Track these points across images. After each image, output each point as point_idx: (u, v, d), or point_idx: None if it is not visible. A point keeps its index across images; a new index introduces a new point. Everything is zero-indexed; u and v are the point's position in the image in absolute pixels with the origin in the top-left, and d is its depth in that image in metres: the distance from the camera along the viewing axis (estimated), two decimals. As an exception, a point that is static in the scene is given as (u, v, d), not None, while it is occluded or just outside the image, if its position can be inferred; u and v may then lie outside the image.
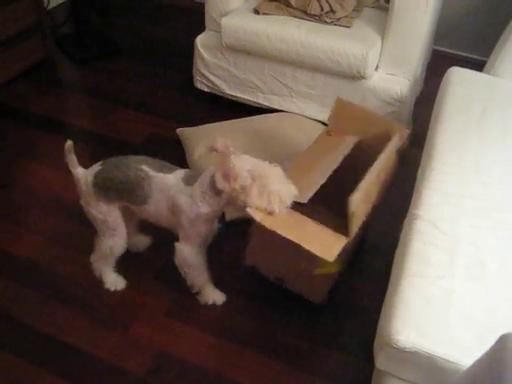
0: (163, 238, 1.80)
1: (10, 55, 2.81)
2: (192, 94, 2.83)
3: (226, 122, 2.52)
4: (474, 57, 3.14)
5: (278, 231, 1.50)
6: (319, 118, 2.54)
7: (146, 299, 1.85)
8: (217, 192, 1.54)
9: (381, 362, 1.26)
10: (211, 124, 2.51)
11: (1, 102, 2.77)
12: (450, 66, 2.16)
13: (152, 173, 1.62)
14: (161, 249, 1.96)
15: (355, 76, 2.36)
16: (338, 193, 1.62)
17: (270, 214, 1.52)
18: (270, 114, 2.56)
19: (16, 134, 2.59)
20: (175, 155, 2.45)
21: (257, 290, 1.88)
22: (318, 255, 1.47)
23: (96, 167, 1.68)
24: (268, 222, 1.51)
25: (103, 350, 1.70)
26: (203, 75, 2.71)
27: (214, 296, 1.83)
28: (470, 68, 2.15)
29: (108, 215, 1.70)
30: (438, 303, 1.25)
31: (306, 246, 1.48)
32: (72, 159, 1.69)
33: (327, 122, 2.50)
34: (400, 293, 1.28)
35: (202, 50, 2.64)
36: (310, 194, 1.63)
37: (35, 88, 2.91)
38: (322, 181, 1.69)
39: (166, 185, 1.61)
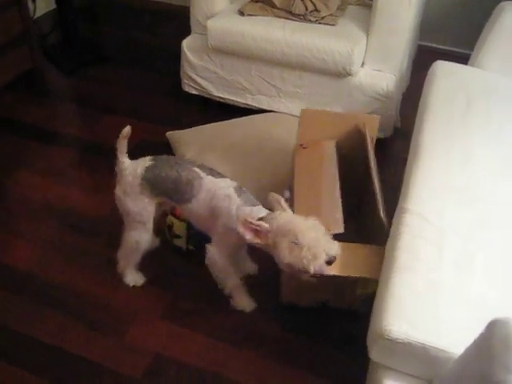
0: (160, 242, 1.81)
1: (-2, 66, 2.81)
2: (181, 97, 2.84)
3: (216, 123, 2.53)
4: (460, 51, 3.15)
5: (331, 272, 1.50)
6: (308, 117, 2.55)
7: (142, 303, 1.85)
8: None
9: (375, 354, 1.27)
10: (200, 126, 2.52)
11: (-10, 113, 2.78)
12: (435, 61, 2.18)
13: (203, 175, 1.66)
14: (155, 253, 1.96)
15: (341, 73, 2.37)
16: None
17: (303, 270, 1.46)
18: (258, 115, 2.58)
19: (6, 144, 2.59)
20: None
21: (252, 289, 1.89)
22: (369, 277, 1.53)
23: (146, 161, 1.71)
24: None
25: (100, 354, 1.70)
26: (191, 78, 2.72)
27: (242, 302, 1.82)
28: (456, 62, 2.17)
29: (145, 209, 1.72)
30: (428, 295, 1.27)
31: (356, 274, 1.55)
32: (123, 145, 1.70)
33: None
34: (391, 286, 1.29)
35: (188, 53, 2.66)
36: (341, 220, 1.63)
37: (24, 98, 2.91)
38: (339, 202, 1.69)
39: (215, 186, 1.64)
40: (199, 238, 1.91)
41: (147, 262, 1.96)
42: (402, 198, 1.58)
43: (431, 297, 1.26)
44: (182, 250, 1.98)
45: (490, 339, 0.94)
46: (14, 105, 2.85)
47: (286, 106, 2.60)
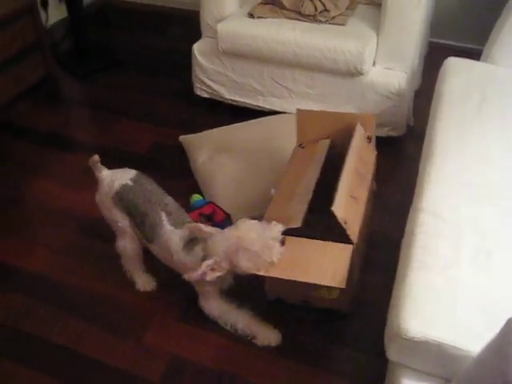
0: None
1: (12, 75, 2.85)
2: (193, 100, 2.86)
3: (228, 126, 2.54)
4: (472, 46, 3.13)
5: (284, 276, 1.52)
6: (320, 117, 2.55)
7: (157, 306, 1.86)
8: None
9: (392, 353, 1.26)
10: (213, 130, 2.53)
11: (5, 121, 2.81)
12: (447, 58, 2.17)
13: (165, 223, 1.66)
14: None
15: (353, 73, 2.37)
16: (327, 195, 1.61)
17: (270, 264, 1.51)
18: (270, 117, 2.58)
19: (22, 151, 2.63)
20: (179, 162, 2.48)
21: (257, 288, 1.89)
22: (327, 285, 1.49)
23: (126, 178, 1.73)
24: (272, 271, 1.52)
25: (117, 358, 1.72)
26: (202, 82, 2.74)
27: (268, 336, 1.73)
28: (468, 58, 2.15)
29: (119, 220, 1.76)
30: (445, 292, 1.26)
31: (311, 280, 1.50)
32: (98, 167, 1.76)
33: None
34: (407, 284, 1.29)
35: (199, 56, 2.67)
36: (301, 215, 1.62)
37: (38, 105, 2.95)
38: (308, 198, 1.68)
39: (172, 239, 1.65)
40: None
41: (161, 265, 1.97)
42: (416, 196, 1.57)
43: (448, 294, 1.25)
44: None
45: (507, 337, 0.93)
46: (29, 112, 2.89)
47: (297, 107, 2.59)
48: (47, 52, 3.07)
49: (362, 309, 1.84)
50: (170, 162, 2.51)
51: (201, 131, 2.53)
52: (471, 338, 1.15)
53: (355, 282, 1.75)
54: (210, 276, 1.52)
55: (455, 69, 2.07)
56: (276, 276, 1.53)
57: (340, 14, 2.48)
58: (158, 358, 1.71)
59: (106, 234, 1.95)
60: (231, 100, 2.73)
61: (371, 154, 1.88)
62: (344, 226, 1.54)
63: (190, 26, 3.06)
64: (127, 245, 1.82)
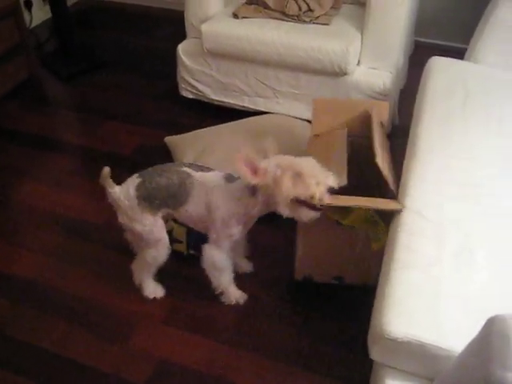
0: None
1: (-5, 76, 2.83)
2: (178, 101, 2.85)
3: (214, 127, 2.53)
4: (456, 45, 3.14)
5: (344, 203, 1.53)
6: (305, 117, 2.54)
7: (144, 309, 1.85)
8: (253, 191, 1.55)
9: (375, 354, 1.26)
10: (199, 130, 2.52)
11: (-11, 124, 2.79)
12: (431, 57, 2.17)
13: (193, 172, 1.66)
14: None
15: (337, 72, 2.37)
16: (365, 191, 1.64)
17: (309, 203, 1.48)
18: (256, 117, 2.57)
19: (7, 153, 2.61)
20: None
21: (256, 292, 1.88)
22: (390, 208, 1.51)
23: (135, 180, 1.69)
24: (329, 198, 1.49)
25: (104, 362, 1.70)
26: (187, 82, 2.73)
27: (236, 296, 1.84)
28: (453, 57, 2.16)
29: (154, 225, 1.70)
30: (427, 292, 1.26)
31: (376, 206, 1.55)
32: (108, 182, 1.68)
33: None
34: (390, 284, 1.29)
35: (184, 57, 2.66)
36: (345, 174, 1.62)
37: (23, 107, 2.93)
38: (346, 159, 1.69)
39: (206, 180, 1.64)
40: (199, 243, 1.91)
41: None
42: (400, 195, 1.57)
43: (431, 294, 1.25)
44: (182, 254, 1.98)
45: (488, 337, 0.93)
46: (13, 114, 2.87)
47: (283, 107, 2.60)
48: (31, 53, 3.05)
49: (354, 310, 1.84)
50: (156, 163, 2.47)
51: (186, 132, 2.52)
52: (454, 337, 1.15)
53: None
54: (249, 175, 1.48)
55: (439, 68, 2.07)
56: (334, 203, 1.52)
57: (324, 14, 2.48)
58: (145, 362, 1.70)
59: (93, 236, 1.94)
60: (216, 100, 2.72)
61: (386, 142, 1.88)
62: (387, 180, 1.55)
63: (175, 26, 3.05)
64: (160, 251, 1.75)
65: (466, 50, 2.30)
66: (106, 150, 2.59)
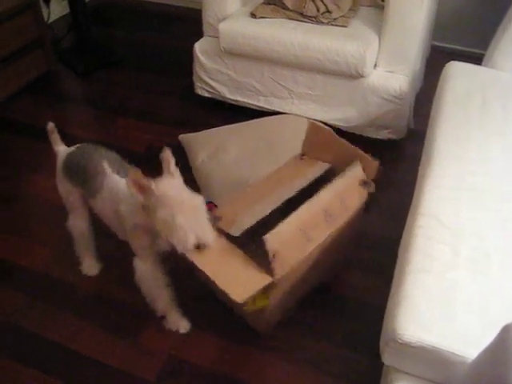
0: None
1: (13, 70, 2.85)
2: (193, 100, 2.85)
3: (228, 126, 2.53)
4: (473, 50, 3.13)
5: (196, 263, 1.45)
6: (320, 119, 2.54)
7: (155, 305, 1.86)
8: (143, 207, 1.47)
9: (387, 357, 1.26)
10: (213, 129, 2.53)
11: (5, 116, 2.81)
12: (449, 61, 2.17)
13: (109, 171, 1.63)
14: (166, 255, 1.97)
15: (354, 75, 2.36)
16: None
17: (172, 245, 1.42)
18: (271, 117, 2.57)
19: (21, 147, 2.63)
20: (178, 161, 2.47)
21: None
22: (229, 295, 1.40)
23: (70, 149, 1.77)
24: (194, 255, 1.45)
25: (114, 357, 1.71)
26: (203, 81, 2.73)
27: (177, 323, 1.77)
28: (470, 62, 2.15)
29: (70, 195, 1.77)
30: (442, 297, 1.25)
31: (220, 284, 1.42)
32: (55, 139, 1.80)
33: (329, 123, 2.54)
34: (404, 288, 1.28)
35: (200, 56, 2.66)
36: (245, 227, 1.57)
37: (39, 101, 2.95)
38: (264, 213, 1.62)
39: (114, 187, 1.60)
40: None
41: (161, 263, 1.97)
42: (415, 199, 1.57)
43: (445, 299, 1.25)
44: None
45: (504, 343, 0.92)
46: (29, 108, 2.89)
47: (298, 107, 2.60)
48: (49, 48, 3.07)
49: (359, 311, 1.84)
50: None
51: (200, 130, 2.52)
52: (468, 343, 1.15)
53: (275, 311, 1.69)
54: (135, 191, 1.41)
55: (456, 73, 2.07)
56: (192, 260, 1.46)
57: (342, 16, 2.48)
58: (155, 358, 1.71)
59: (104, 231, 1.94)
60: (232, 99, 2.73)
61: (357, 200, 1.71)
62: (271, 258, 1.44)
63: (191, 24, 3.05)
64: (76, 222, 1.83)
65: (483, 55, 2.28)
66: (120, 146, 2.60)
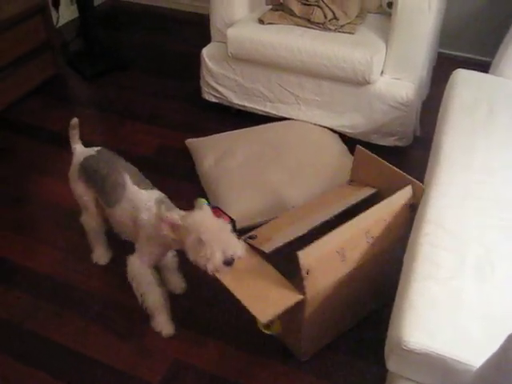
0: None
1: (22, 73, 2.87)
2: (200, 104, 2.87)
3: (235, 131, 2.55)
4: (480, 58, 3.14)
5: (223, 281, 1.46)
6: (326, 125, 2.56)
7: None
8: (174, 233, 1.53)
9: (392, 364, 1.26)
10: (220, 134, 2.54)
11: (13, 119, 2.83)
12: (455, 69, 2.17)
13: (129, 183, 1.67)
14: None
15: (360, 82, 2.37)
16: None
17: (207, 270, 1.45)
18: (277, 123, 2.59)
19: (29, 149, 2.65)
20: (185, 166, 2.49)
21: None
22: (253, 314, 1.41)
23: (91, 151, 1.80)
24: (223, 275, 1.46)
25: (118, 359, 1.72)
26: (210, 86, 2.75)
27: (162, 326, 1.77)
28: (477, 70, 2.16)
29: (83, 195, 1.83)
30: (447, 305, 1.26)
31: (245, 303, 1.42)
32: (74, 135, 1.84)
33: (335, 129, 2.55)
34: (409, 295, 1.29)
35: (208, 61, 2.68)
36: (278, 244, 1.57)
37: (47, 104, 2.97)
38: (301, 232, 1.62)
39: (135, 198, 1.64)
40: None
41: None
42: (421, 207, 1.57)
43: (450, 306, 1.25)
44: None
45: (508, 352, 0.93)
46: (38, 111, 2.91)
47: (305, 113, 2.61)
48: (57, 52, 3.09)
49: (365, 317, 1.84)
50: (176, 165, 2.52)
51: (207, 135, 2.54)
52: (473, 351, 1.15)
53: (311, 337, 1.66)
54: (166, 229, 1.49)
55: (463, 81, 2.07)
56: (222, 280, 1.46)
57: (349, 23, 2.49)
58: (159, 361, 1.72)
59: (111, 233, 1.96)
60: (238, 105, 2.74)
61: (402, 223, 1.67)
62: (303, 274, 1.43)
63: (199, 29, 3.07)
64: (88, 219, 1.89)
65: (490, 63, 2.29)
66: (127, 149, 2.62)
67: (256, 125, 2.56)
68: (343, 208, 1.73)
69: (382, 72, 2.41)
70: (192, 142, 2.54)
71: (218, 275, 1.47)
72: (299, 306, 1.49)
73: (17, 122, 2.82)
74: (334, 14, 2.47)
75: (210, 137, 2.53)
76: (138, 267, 1.68)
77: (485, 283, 1.31)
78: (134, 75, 3.22)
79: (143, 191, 1.66)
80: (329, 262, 1.50)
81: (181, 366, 1.70)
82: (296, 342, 1.68)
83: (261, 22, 2.54)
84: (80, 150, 1.83)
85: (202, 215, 1.50)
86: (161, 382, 1.66)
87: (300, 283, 1.45)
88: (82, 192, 1.81)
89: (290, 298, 1.46)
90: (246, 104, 2.72)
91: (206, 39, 2.74)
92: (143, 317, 1.83)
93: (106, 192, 1.71)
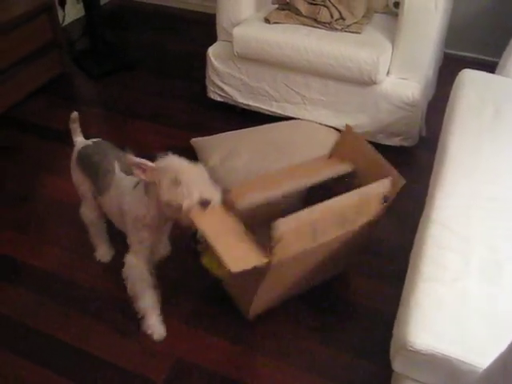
0: (180, 248, 1.83)
1: (28, 72, 2.88)
2: (205, 103, 2.87)
3: (240, 130, 2.54)
4: (486, 58, 3.13)
5: (197, 224, 1.46)
6: (332, 124, 2.55)
7: (165, 307, 1.86)
8: (146, 191, 1.54)
9: (398, 365, 1.26)
10: (225, 133, 2.54)
11: (20, 118, 2.84)
12: (462, 69, 2.17)
13: (117, 170, 1.69)
14: (178, 259, 1.98)
15: (366, 82, 2.37)
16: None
17: (180, 208, 1.43)
18: (283, 122, 2.58)
19: (35, 147, 2.65)
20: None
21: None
22: (224, 261, 1.41)
23: (89, 141, 1.83)
24: (198, 218, 1.46)
25: (122, 358, 1.72)
26: (216, 85, 2.75)
27: (153, 328, 1.75)
28: (483, 70, 2.15)
29: (82, 184, 1.83)
30: (453, 305, 1.25)
31: (217, 249, 1.43)
32: (75, 128, 1.85)
33: (341, 128, 2.54)
34: (415, 296, 1.28)
35: (214, 60, 2.68)
36: (253, 202, 1.60)
37: (53, 103, 2.98)
38: (275, 196, 1.65)
39: (120, 184, 1.66)
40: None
41: (171, 267, 1.98)
42: (427, 207, 1.57)
43: (456, 307, 1.25)
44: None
45: (515, 353, 0.92)
46: (44, 110, 2.92)
47: (310, 113, 2.61)
48: (63, 51, 3.10)
49: (369, 317, 1.84)
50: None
51: (212, 134, 2.54)
52: (479, 352, 1.15)
53: (263, 297, 1.70)
54: (137, 172, 1.49)
55: (470, 81, 2.06)
56: (195, 221, 1.46)
57: (356, 23, 2.48)
58: (163, 360, 1.72)
59: (115, 232, 1.96)
60: (244, 104, 2.74)
61: (374, 215, 1.68)
62: (274, 242, 1.44)
63: (205, 28, 3.07)
64: (87, 211, 1.89)
65: (496, 63, 2.28)
66: (132, 148, 2.61)
67: (261, 124, 2.56)
68: (319, 180, 1.75)
69: (388, 72, 2.41)
70: (197, 141, 2.54)
71: (192, 217, 1.45)
72: (263, 270, 1.50)
73: (23, 120, 2.83)
74: (340, 13, 2.46)
75: (215, 136, 2.53)
76: (134, 265, 1.68)
77: (491, 284, 1.31)
78: (140, 74, 3.23)
79: (129, 177, 1.65)
80: (300, 235, 1.51)
81: (185, 365, 1.70)
82: (247, 303, 1.72)
83: (267, 21, 2.54)
84: (80, 141, 1.85)
85: (179, 160, 1.51)
86: (165, 380, 1.66)
87: (270, 249, 1.46)
88: (80, 180, 1.83)
89: (258, 258, 1.47)
90: (252, 103, 2.72)
91: (212, 38, 2.74)
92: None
93: (98, 180, 1.73)
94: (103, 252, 2.02)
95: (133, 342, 1.77)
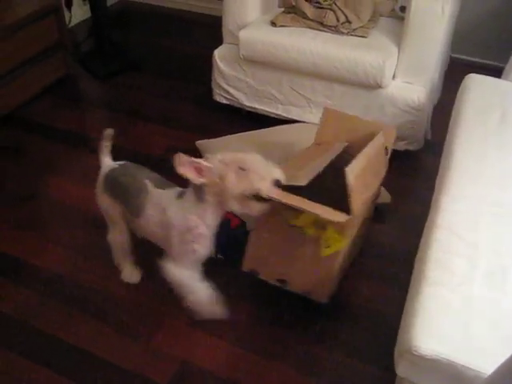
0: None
1: (34, 73, 2.89)
2: (211, 106, 2.87)
3: (245, 133, 2.54)
4: (492, 63, 3.12)
5: (285, 200, 1.47)
6: (337, 128, 2.55)
7: (169, 309, 1.87)
8: (201, 198, 1.51)
9: (402, 369, 1.25)
10: (230, 136, 2.54)
11: (25, 118, 2.85)
12: (467, 73, 2.16)
13: (151, 187, 1.66)
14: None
15: (372, 85, 2.37)
16: (328, 200, 1.57)
17: (257, 196, 1.44)
18: (288, 125, 2.58)
19: (40, 148, 2.66)
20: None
21: (277, 299, 1.89)
22: (330, 219, 1.47)
23: (115, 164, 1.78)
24: (279, 196, 1.47)
25: (127, 360, 1.72)
26: (222, 88, 2.75)
27: (214, 310, 1.71)
28: (489, 74, 2.15)
29: (110, 208, 1.78)
30: (458, 310, 1.25)
31: (318, 212, 1.47)
32: (106, 147, 1.80)
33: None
34: (420, 300, 1.28)
35: (220, 62, 2.68)
36: (310, 176, 1.60)
37: (58, 104, 2.99)
38: (319, 169, 1.66)
39: (160, 199, 1.63)
40: (228, 247, 1.93)
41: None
42: (432, 211, 1.57)
43: (461, 312, 1.25)
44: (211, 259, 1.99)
45: (521, 359, 0.92)
46: (49, 110, 2.93)
47: (316, 116, 2.59)
48: (69, 51, 3.11)
49: (373, 321, 1.84)
50: (186, 166, 2.52)
51: (218, 137, 2.54)
52: (484, 357, 1.14)
53: (337, 274, 1.71)
54: (192, 175, 1.47)
55: (475, 85, 2.06)
56: (280, 199, 1.46)
57: (362, 26, 2.48)
58: (167, 362, 1.72)
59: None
60: (250, 107, 2.74)
61: (382, 167, 1.84)
62: (350, 193, 1.49)
63: (211, 31, 3.08)
64: (116, 236, 1.84)
65: (502, 68, 2.28)
66: (137, 150, 2.63)
67: (266, 127, 2.56)
68: (330, 159, 1.76)
69: (393, 76, 2.41)
70: (202, 144, 2.54)
71: (272, 196, 1.45)
72: (342, 228, 1.55)
73: (29, 121, 2.84)
74: (346, 17, 2.47)
75: (220, 138, 2.53)
76: (179, 274, 1.63)
77: (496, 289, 1.30)
78: (146, 76, 3.24)
79: (164, 191, 1.64)
80: (359, 184, 1.56)
81: (189, 368, 1.70)
82: (327, 283, 1.69)
83: (273, 24, 2.54)
84: (107, 163, 1.80)
85: (230, 153, 1.50)
86: (169, 382, 1.66)
87: (348, 196, 1.51)
88: (108, 205, 1.77)
89: (341, 216, 1.51)
90: (257, 106, 2.72)
91: (218, 41, 2.74)
92: (152, 318, 1.84)
93: (129, 202, 1.69)
94: (129, 273, 1.95)
95: (137, 344, 1.77)
